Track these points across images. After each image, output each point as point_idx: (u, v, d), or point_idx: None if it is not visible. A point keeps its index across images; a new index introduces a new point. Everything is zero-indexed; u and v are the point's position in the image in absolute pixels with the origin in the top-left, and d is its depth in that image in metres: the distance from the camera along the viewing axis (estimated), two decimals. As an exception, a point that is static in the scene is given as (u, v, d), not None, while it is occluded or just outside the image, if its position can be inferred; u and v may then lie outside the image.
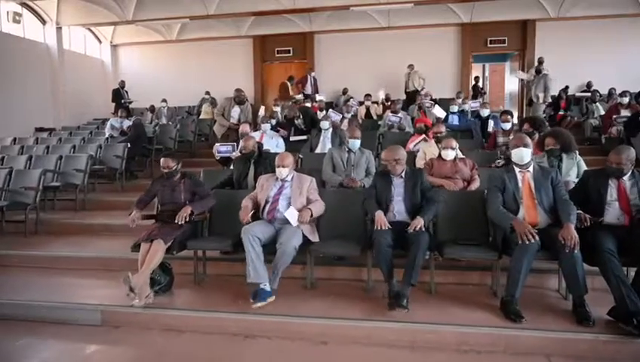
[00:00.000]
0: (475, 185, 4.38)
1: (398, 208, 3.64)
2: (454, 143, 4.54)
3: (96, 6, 11.30)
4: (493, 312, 3.19)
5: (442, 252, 3.46)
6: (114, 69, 14.58)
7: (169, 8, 11.19)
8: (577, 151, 4.20)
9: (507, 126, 6.15)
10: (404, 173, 3.72)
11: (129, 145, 7.43)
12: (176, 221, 3.75)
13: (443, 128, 5.59)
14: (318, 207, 3.76)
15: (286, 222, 3.63)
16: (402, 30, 12.97)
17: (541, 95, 10.38)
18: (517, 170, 3.47)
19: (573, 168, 4.03)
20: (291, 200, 3.77)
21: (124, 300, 3.47)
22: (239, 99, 7.36)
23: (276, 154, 6.22)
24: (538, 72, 10.76)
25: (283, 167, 3.85)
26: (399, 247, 3.38)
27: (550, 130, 4.46)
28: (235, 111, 7.34)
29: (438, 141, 5.44)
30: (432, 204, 3.58)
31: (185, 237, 3.77)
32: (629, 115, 7.68)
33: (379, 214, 3.51)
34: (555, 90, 11.34)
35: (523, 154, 3.44)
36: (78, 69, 12.96)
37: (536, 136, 4.80)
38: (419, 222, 3.38)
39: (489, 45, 13.09)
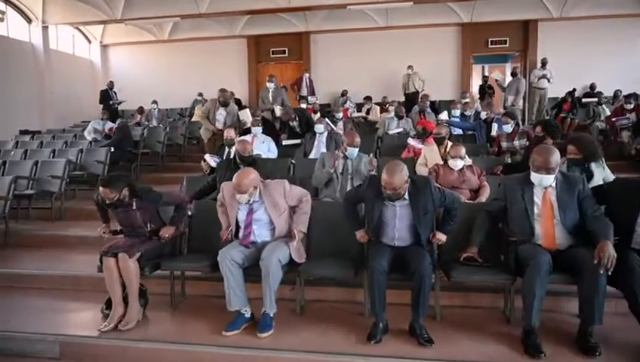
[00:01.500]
0: (485, 193, 3.97)
1: (401, 235, 3.09)
2: (463, 152, 4.13)
3: (83, 4, 10.87)
4: (508, 343, 2.80)
5: (449, 274, 3.06)
6: (104, 69, 14.16)
7: (159, 7, 10.79)
8: (603, 160, 3.77)
9: (508, 128, 5.68)
10: (407, 194, 3.06)
11: (112, 149, 7.00)
12: (160, 237, 3.38)
13: (444, 130, 5.17)
14: (306, 218, 3.32)
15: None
16: (401, 30, 12.61)
17: (511, 98, 10.02)
18: (537, 185, 2.97)
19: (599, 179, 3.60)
20: (273, 221, 3.23)
21: (91, 327, 3.07)
22: (224, 100, 6.70)
23: (268, 160, 5.95)
24: (514, 74, 10.44)
25: (240, 193, 3.11)
26: (396, 270, 2.98)
27: (572, 137, 4.00)
28: (221, 114, 6.66)
29: (439, 143, 5.05)
30: (453, 214, 3.14)
31: (158, 254, 3.37)
32: (628, 117, 7.37)
33: (360, 234, 3.20)
34: (558, 92, 11.07)
35: (543, 181, 2.91)
36: (65, 69, 12.54)
37: (550, 141, 4.42)
38: (441, 238, 3.10)
39: (490, 46, 12.75)
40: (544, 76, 11.09)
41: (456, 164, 4.10)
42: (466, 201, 3.84)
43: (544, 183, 2.90)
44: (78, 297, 3.78)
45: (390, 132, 7.55)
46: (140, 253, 3.23)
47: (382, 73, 12.49)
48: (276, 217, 3.23)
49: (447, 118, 7.31)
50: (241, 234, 3.26)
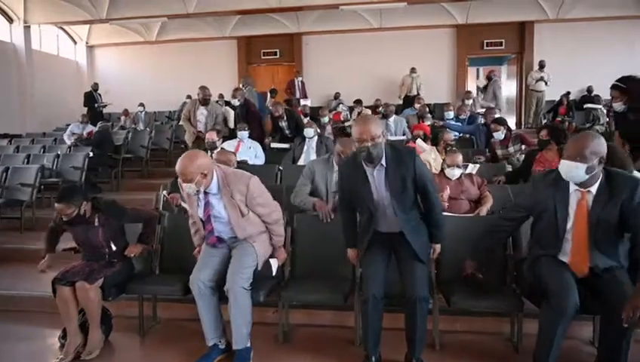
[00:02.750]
0: (488, 204, 3.64)
1: (384, 212, 2.55)
2: (460, 159, 3.79)
3: (67, 3, 10.48)
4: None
5: (448, 298, 2.72)
6: (90, 71, 13.74)
7: (145, 6, 10.44)
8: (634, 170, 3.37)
9: (500, 135, 5.32)
10: (384, 158, 2.46)
11: (91, 154, 6.62)
12: (125, 256, 3.03)
13: (452, 135, 4.85)
14: (280, 241, 2.90)
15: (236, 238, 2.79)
16: (395, 31, 12.33)
17: (486, 103, 9.71)
18: (573, 187, 2.34)
19: None
20: (233, 226, 2.71)
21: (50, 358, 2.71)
22: (204, 98, 6.18)
23: (254, 166, 5.60)
24: (489, 78, 10.19)
25: (185, 181, 2.57)
26: (392, 287, 2.56)
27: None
28: (202, 114, 6.15)
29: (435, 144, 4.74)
30: (438, 216, 2.61)
31: (124, 277, 3.01)
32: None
33: (352, 254, 2.80)
34: (555, 95, 10.84)
35: (572, 173, 2.26)
36: (49, 70, 12.11)
37: (554, 147, 4.11)
38: (437, 250, 2.69)
39: (485, 48, 12.49)
40: (542, 78, 10.88)
41: (454, 173, 3.74)
42: (464, 215, 3.50)
43: (573, 176, 2.26)
44: (42, 321, 3.41)
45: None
46: (102, 278, 2.87)
47: (376, 75, 12.19)
48: (235, 219, 2.69)
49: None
50: (205, 232, 2.82)
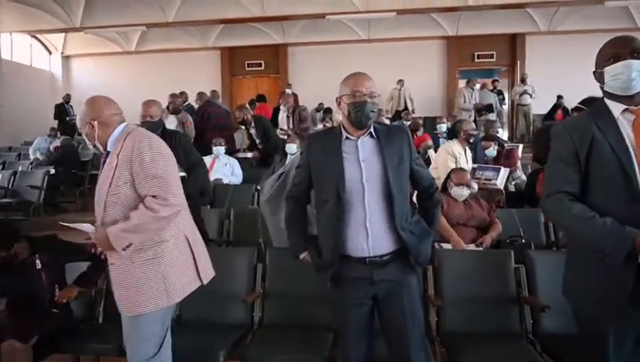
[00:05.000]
0: (495, 232, 3.12)
1: (373, 217, 1.84)
2: (468, 177, 3.29)
3: (38, 11, 9.94)
4: None
5: (454, 357, 2.20)
6: (65, 82, 13.13)
7: (122, 15, 9.95)
8: None
9: (492, 153, 4.85)
10: (372, 128, 1.94)
11: (52, 171, 6.04)
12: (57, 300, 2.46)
13: (474, 126, 4.35)
14: (139, 225, 1.79)
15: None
16: (383, 43, 12.00)
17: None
18: (618, 109, 1.56)
19: None
20: (96, 196, 1.92)
21: None
22: (174, 107, 5.63)
23: (228, 186, 5.06)
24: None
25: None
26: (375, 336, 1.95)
27: None
28: (171, 123, 5.51)
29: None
30: (430, 193, 2.06)
31: (59, 329, 2.43)
32: None
33: (305, 257, 2.08)
34: (546, 108, 10.57)
35: (630, 68, 1.50)
36: (21, 81, 11.47)
37: None
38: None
39: (477, 60, 12.22)
40: (525, 92, 10.66)
41: (462, 194, 3.22)
42: (471, 249, 2.99)
43: (630, 73, 1.49)
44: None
45: None
46: (37, 337, 2.30)
47: (364, 88, 11.81)
48: (102, 199, 1.86)
49: None
50: None
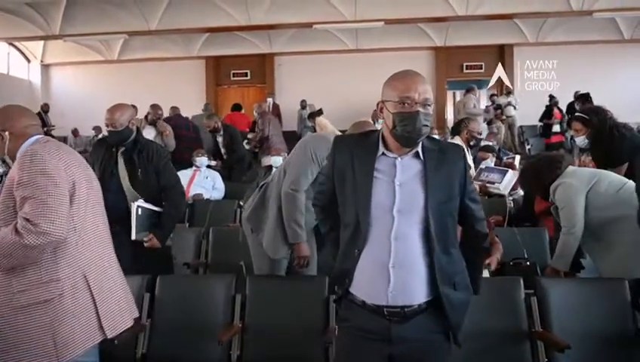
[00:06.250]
0: (498, 253, 2.81)
1: (399, 259, 1.44)
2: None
3: (15, 17, 9.57)
4: None
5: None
6: (44, 91, 12.73)
7: (103, 22, 9.67)
8: None
9: (490, 165, 4.59)
10: (420, 148, 1.52)
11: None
12: None
13: (481, 125, 4.10)
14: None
15: None
16: (371, 53, 11.86)
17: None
18: None
19: None
20: None
21: None
22: (152, 118, 5.34)
23: (209, 201, 4.74)
24: (470, 89, 9.30)
25: None
26: None
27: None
28: (149, 134, 5.14)
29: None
30: (480, 238, 1.64)
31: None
32: None
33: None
34: (530, 119, 10.50)
35: None
36: (-4, 90, 11.08)
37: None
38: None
39: (465, 71, 12.18)
40: (509, 103, 10.57)
41: None
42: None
43: None
44: None
45: None
46: None
47: (352, 99, 11.59)
48: None
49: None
50: None
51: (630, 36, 11.28)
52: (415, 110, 1.43)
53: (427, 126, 1.46)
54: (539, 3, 9.17)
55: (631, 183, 2.52)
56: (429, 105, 1.46)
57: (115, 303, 1.64)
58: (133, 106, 3.62)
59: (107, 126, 2.72)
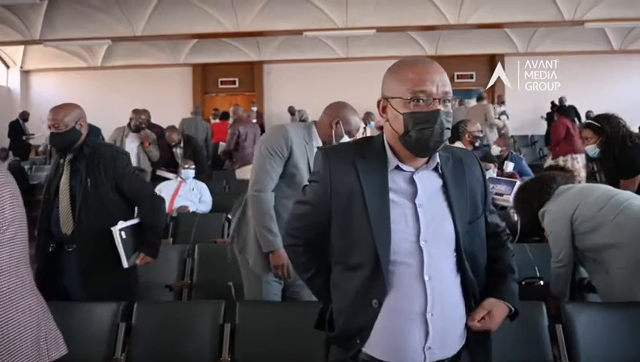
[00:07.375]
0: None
1: (438, 302, 1.14)
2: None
3: (-8, 21, 9.24)
4: None
5: None
6: (24, 98, 12.32)
7: (86, 27, 9.35)
8: None
9: (491, 175, 4.45)
10: (438, 155, 1.22)
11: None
12: None
13: (478, 126, 3.98)
14: None
15: None
16: (362, 62, 11.74)
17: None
18: None
19: None
20: None
21: None
22: (135, 124, 4.99)
23: (194, 214, 4.44)
24: (480, 98, 9.27)
25: None
26: None
27: None
28: (133, 142, 4.92)
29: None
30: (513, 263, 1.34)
31: None
32: None
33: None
34: (524, 130, 10.47)
35: None
36: (-28, 97, 10.68)
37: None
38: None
39: (456, 80, 12.04)
40: (504, 113, 10.50)
41: None
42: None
43: None
44: None
45: None
46: None
47: (343, 107, 11.48)
48: None
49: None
50: None
51: (619, 47, 11.36)
52: (435, 108, 1.13)
53: (449, 129, 1.18)
54: (531, 12, 9.14)
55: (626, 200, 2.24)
56: (449, 100, 1.17)
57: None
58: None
59: (49, 128, 2.36)
